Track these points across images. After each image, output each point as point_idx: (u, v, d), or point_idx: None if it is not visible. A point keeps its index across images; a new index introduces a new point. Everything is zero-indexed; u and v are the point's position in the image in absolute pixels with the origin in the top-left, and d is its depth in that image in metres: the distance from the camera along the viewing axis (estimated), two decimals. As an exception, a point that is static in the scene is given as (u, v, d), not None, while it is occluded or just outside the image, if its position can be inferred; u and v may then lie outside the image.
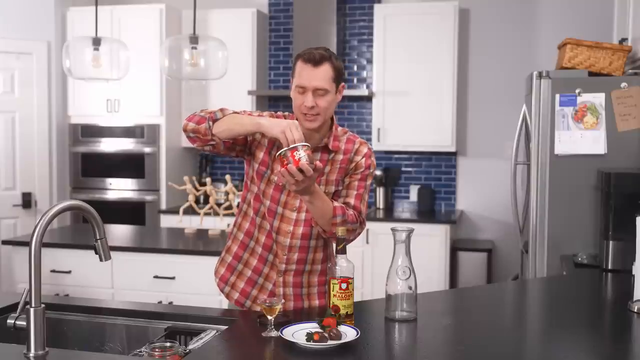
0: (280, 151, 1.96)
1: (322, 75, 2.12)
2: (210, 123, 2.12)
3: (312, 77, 2.11)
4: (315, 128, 2.17)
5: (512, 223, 3.91)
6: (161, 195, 5.51)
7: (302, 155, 1.93)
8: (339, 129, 2.29)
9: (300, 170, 1.92)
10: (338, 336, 1.82)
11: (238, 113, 2.18)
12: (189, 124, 2.15)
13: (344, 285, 1.96)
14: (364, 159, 2.26)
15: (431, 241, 4.95)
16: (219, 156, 6.00)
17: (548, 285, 2.84)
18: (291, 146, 1.95)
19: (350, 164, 2.25)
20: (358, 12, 5.66)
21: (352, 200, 2.24)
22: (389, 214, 5.31)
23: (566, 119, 3.25)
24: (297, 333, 1.86)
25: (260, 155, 2.24)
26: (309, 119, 2.15)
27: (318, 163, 1.98)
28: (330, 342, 1.80)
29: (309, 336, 1.81)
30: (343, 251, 2.00)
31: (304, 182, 1.95)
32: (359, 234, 2.26)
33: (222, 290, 2.39)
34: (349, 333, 1.85)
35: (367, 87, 5.63)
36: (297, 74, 2.15)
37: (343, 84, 2.22)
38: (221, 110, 2.16)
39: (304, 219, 2.25)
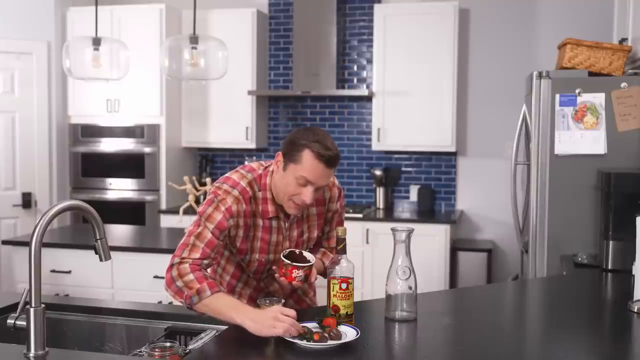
0: (285, 260, 2.04)
1: (330, 174, 2.06)
2: (187, 305, 1.99)
3: (323, 176, 2.03)
4: (297, 214, 2.17)
5: (512, 223, 3.90)
6: (161, 195, 5.51)
7: (299, 275, 2.04)
8: None
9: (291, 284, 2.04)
10: (338, 336, 1.82)
11: (215, 290, 1.95)
12: (168, 289, 2.02)
13: (344, 285, 1.96)
14: (337, 203, 2.29)
15: (431, 241, 4.95)
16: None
17: (548, 285, 2.84)
18: (296, 264, 2.03)
19: (327, 214, 2.28)
20: (358, 12, 5.66)
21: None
22: (389, 214, 5.31)
23: (566, 119, 3.25)
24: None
25: (237, 243, 2.15)
26: (295, 209, 2.10)
27: (313, 279, 2.09)
28: (330, 342, 1.80)
29: (309, 334, 1.81)
30: (343, 251, 2.00)
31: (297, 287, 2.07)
32: None
33: None
34: (349, 333, 1.85)
35: (367, 87, 5.63)
36: (306, 167, 2.00)
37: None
38: (197, 293, 1.95)
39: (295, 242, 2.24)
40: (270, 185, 2.13)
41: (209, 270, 2.09)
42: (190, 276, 1.98)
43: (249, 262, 2.19)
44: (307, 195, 2.03)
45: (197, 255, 2.03)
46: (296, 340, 1.81)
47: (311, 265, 2.06)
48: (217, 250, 2.08)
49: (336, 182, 2.31)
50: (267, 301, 1.97)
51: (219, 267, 2.28)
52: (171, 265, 2.03)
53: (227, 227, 2.06)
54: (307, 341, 1.79)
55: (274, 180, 2.12)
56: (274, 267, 2.16)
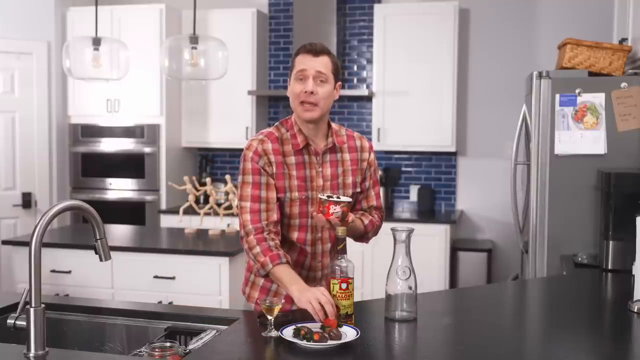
0: (322, 197, 2.07)
1: (322, 62, 2.18)
2: (261, 272, 2.15)
3: (313, 63, 2.17)
4: (314, 118, 2.20)
5: (512, 223, 3.90)
6: (161, 195, 5.51)
7: (336, 210, 2.03)
8: (333, 124, 2.34)
9: (329, 222, 2.04)
10: (338, 336, 1.82)
11: (276, 262, 2.10)
12: (250, 253, 2.17)
13: (344, 285, 1.96)
14: (371, 154, 2.37)
15: (431, 241, 4.95)
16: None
17: (548, 285, 2.84)
18: (333, 199, 2.05)
19: (361, 164, 2.33)
20: (358, 12, 5.66)
21: (374, 202, 2.39)
22: (389, 214, 5.30)
23: (566, 119, 3.25)
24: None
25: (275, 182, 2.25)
26: (307, 109, 2.19)
27: (351, 218, 2.11)
28: (330, 342, 1.80)
29: (303, 332, 1.82)
30: (343, 251, 2.00)
31: (331, 229, 2.07)
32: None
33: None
34: (349, 333, 1.85)
35: (367, 87, 5.63)
36: (298, 63, 2.19)
37: (340, 82, 2.28)
38: (262, 266, 2.13)
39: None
40: (294, 119, 2.26)
41: (274, 217, 2.18)
42: (257, 249, 2.15)
43: (291, 202, 2.23)
44: (308, 84, 2.16)
45: (247, 217, 2.17)
46: (296, 340, 1.81)
47: (349, 202, 2.10)
48: (267, 195, 2.19)
49: (365, 138, 2.41)
50: (267, 301, 1.97)
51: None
52: (240, 238, 2.22)
53: (260, 170, 2.19)
54: (307, 341, 1.80)
55: (290, 96, 2.24)
56: (312, 210, 2.21)
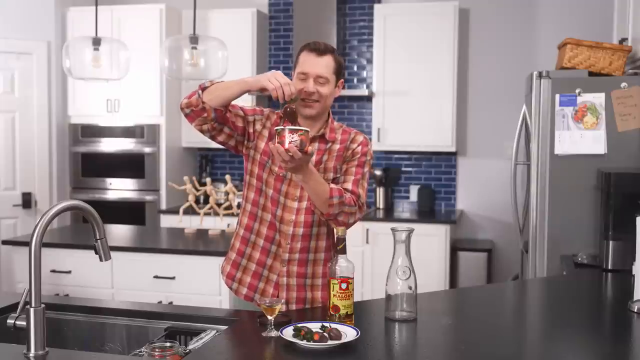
0: (277, 128, 2.00)
1: (324, 63, 2.24)
2: (200, 92, 2.17)
3: (315, 64, 2.23)
4: (312, 115, 2.25)
5: (512, 223, 3.90)
6: (161, 195, 5.51)
7: (294, 139, 1.95)
8: (335, 122, 2.38)
9: (288, 152, 1.96)
10: (338, 336, 1.82)
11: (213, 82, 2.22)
12: (183, 100, 2.22)
13: (344, 285, 1.96)
14: (360, 146, 2.33)
15: (431, 241, 4.95)
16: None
17: (548, 285, 2.84)
18: (288, 127, 1.97)
19: (346, 152, 2.32)
20: (358, 12, 5.66)
21: (349, 185, 2.27)
22: (389, 214, 5.31)
23: (566, 119, 3.26)
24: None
25: (261, 145, 2.30)
26: (308, 105, 2.23)
27: (310, 149, 2.00)
28: (330, 342, 1.80)
29: (302, 332, 1.82)
30: (343, 251, 2.00)
31: (292, 162, 1.99)
32: (359, 218, 2.29)
33: (230, 287, 2.42)
34: (349, 333, 1.85)
35: (367, 87, 5.63)
36: (301, 62, 2.26)
37: (342, 80, 2.32)
38: (211, 81, 2.23)
39: (305, 207, 2.29)
40: None
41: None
42: (185, 99, 2.20)
43: (269, 171, 2.28)
44: (308, 85, 2.21)
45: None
46: (296, 340, 1.81)
47: (307, 131, 2.00)
48: (236, 113, 2.28)
49: (367, 137, 2.38)
50: (267, 301, 1.97)
51: (237, 224, 2.41)
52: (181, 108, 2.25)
53: (250, 110, 2.32)
54: (307, 341, 1.79)
55: None
56: (270, 142, 2.19)
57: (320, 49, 2.24)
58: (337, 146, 2.32)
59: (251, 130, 2.31)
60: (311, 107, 2.24)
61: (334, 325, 1.87)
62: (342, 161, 2.31)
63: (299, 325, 1.88)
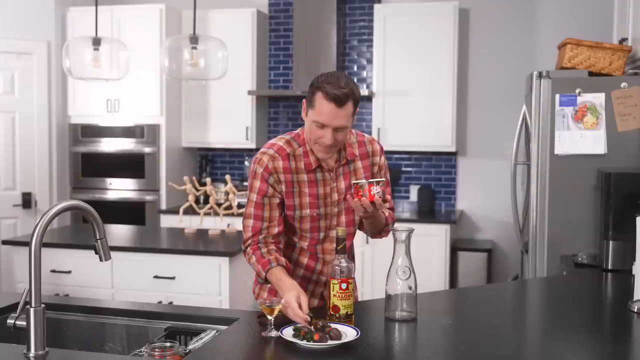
0: (358, 182, 2.05)
1: (345, 114, 2.05)
2: (260, 281, 2.24)
3: (334, 117, 2.04)
4: (327, 157, 2.20)
5: (512, 223, 3.90)
6: (161, 195, 5.51)
7: (378, 191, 2.03)
8: None
9: (372, 204, 2.02)
10: (338, 336, 1.82)
11: (266, 268, 2.13)
12: (250, 263, 2.22)
13: (344, 285, 1.96)
14: (381, 157, 2.34)
15: (431, 241, 4.95)
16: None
17: (548, 285, 2.84)
18: (370, 180, 2.06)
19: (372, 168, 2.31)
20: (358, 12, 5.66)
21: (389, 204, 2.34)
22: (389, 214, 5.30)
23: (566, 119, 3.25)
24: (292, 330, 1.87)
25: (289, 200, 2.24)
26: (322, 151, 2.15)
27: (389, 197, 2.17)
28: (330, 342, 1.80)
29: (302, 332, 1.82)
30: (343, 251, 2.00)
31: (373, 212, 2.06)
32: None
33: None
34: (349, 333, 1.85)
35: (367, 87, 5.63)
36: (317, 110, 2.05)
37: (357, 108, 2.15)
38: (258, 275, 2.20)
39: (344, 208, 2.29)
40: (306, 138, 2.20)
41: (275, 231, 2.20)
42: (253, 259, 2.19)
43: (300, 219, 2.23)
44: (326, 137, 2.08)
45: (249, 234, 2.21)
46: (296, 340, 1.81)
47: (384, 181, 2.12)
48: (270, 214, 2.20)
49: (376, 140, 2.37)
50: (267, 302, 1.97)
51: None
52: (243, 252, 2.26)
53: (267, 189, 2.18)
54: (307, 341, 1.80)
55: (305, 128, 2.18)
56: (348, 196, 2.17)
57: (340, 99, 2.01)
58: (359, 164, 2.27)
59: (279, 193, 2.22)
60: (328, 152, 2.15)
61: (333, 325, 1.87)
62: (370, 174, 2.29)
63: (299, 325, 1.88)
